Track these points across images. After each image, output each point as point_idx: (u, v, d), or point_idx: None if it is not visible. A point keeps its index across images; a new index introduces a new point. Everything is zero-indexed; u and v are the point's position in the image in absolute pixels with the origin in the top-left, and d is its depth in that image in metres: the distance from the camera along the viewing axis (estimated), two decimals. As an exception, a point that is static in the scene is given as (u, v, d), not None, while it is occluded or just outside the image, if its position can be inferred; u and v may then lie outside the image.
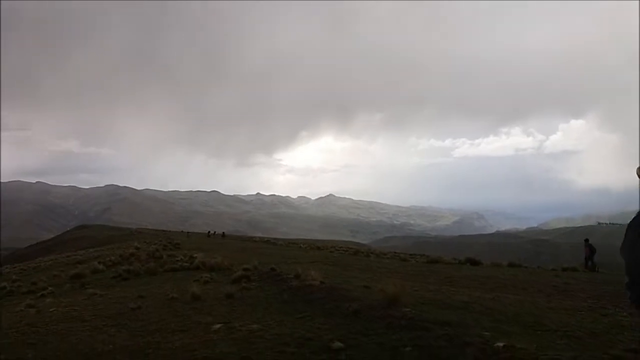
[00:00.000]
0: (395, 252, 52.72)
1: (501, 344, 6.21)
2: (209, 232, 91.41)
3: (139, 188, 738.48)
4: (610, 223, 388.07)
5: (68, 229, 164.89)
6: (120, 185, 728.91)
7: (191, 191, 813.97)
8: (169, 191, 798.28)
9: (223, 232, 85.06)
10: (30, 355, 8.54)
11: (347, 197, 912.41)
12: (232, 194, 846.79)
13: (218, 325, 9.48)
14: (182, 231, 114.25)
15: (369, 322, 8.44)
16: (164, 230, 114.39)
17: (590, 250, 25.29)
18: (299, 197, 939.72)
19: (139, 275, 23.07)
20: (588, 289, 13.36)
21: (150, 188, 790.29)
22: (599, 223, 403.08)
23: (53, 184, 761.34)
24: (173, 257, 30.79)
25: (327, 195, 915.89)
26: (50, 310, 14.05)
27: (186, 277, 20.57)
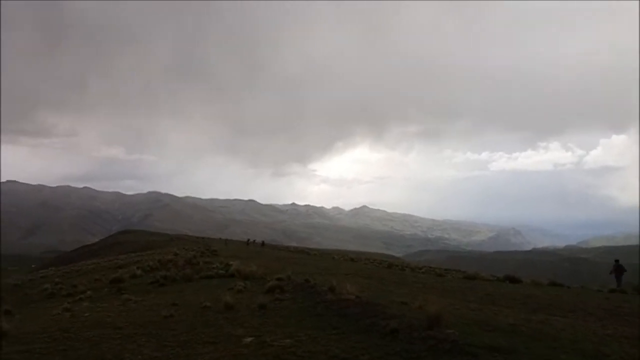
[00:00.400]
0: (430, 267, 51.47)
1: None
2: (247, 240, 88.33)
3: (179, 195, 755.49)
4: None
5: (112, 233, 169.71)
6: (162, 192, 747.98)
7: (229, 199, 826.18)
8: (207, 199, 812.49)
9: (262, 241, 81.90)
10: (60, 361, 8.44)
11: (381, 209, 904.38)
12: (268, 203, 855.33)
13: (249, 339, 9.14)
14: (220, 238, 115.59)
15: (408, 343, 7.91)
16: (202, 237, 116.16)
17: (619, 269, 25.80)
18: (333, 207, 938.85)
19: (175, 282, 23.12)
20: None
21: (191, 195, 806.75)
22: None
23: (99, 189, 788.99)
24: (209, 264, 30.84)
25: (361, 207, 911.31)
26: (85, 315, 14.09)
27: (221, 284, 20.45)
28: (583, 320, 10.63)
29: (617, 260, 26.79)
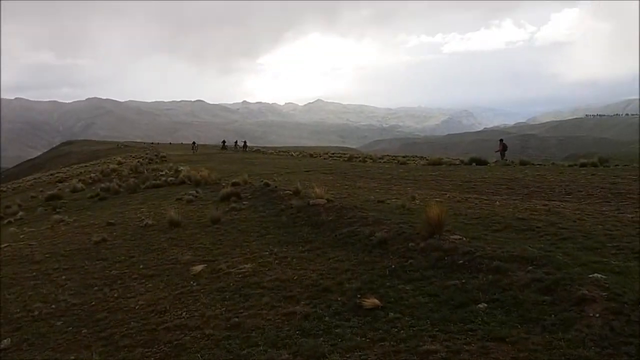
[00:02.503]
0: (391, 156, 50.74)
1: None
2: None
3: (121, 100, 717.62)
4: (598, 115, 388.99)
5: (55, 145, 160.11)
6: (103, 98, 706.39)
7: (175, 101, 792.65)
8: (152, 102, 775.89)
9: (245, 143, 64.83)
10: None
11: (335, 101, 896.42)
12: (217, 102, 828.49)
13: (199, 267, 7.12)
14: (170, 143, 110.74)
15: (404, 258, 6.09)
16: (151, 143, 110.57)
17: (504, 147, 28.71)
18: (286, 103, 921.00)
19: (118, 194, 20.77)
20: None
21: (134, 100, 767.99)
22: (586, 115, 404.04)
23: (33, 99, 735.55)
24: (157, 172, 28.43)
25: (316, 101, 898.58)
26: (3, 247, 11.67)
27: (169, 194, 18.25)
28: (591, 204, 9.20)
29: (501, 140, 29.77)
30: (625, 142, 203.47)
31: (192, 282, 6.62)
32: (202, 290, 6.15)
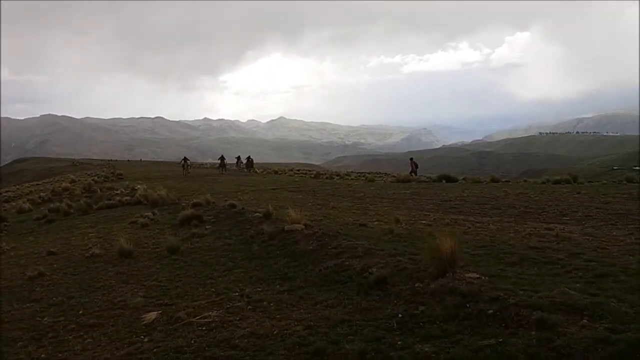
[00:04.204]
0: (357, 173, 50.01)
1: None
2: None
3: (78, 117, 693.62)
4: (550, 133, 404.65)
5: (7, 162, 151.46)
6: (58, 114, 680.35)
7: (134, 118, 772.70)
8: (110, 119, 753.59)
9: (248, 158, 46.11)
10: None
11: (298, 119, 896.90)
12: (177, 119, 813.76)
13: (152, 315, 5.70)
14: (128, 160, 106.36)
15: (412, 303, 4.90)
16: (109, 160, 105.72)
17: (415, 165, 31.22)
18: (248, 120, 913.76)
19: (68, 216, 18.99)
20: None
21: (90, 116, 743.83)
22: (540, 133, 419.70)
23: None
24: (112, 191, 26.53)
25: (278, 118, 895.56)
26: None
27: (122, 216, 16.61)
28: (596, 227, 8.33)
29: (411, 158, 32.54)
30: (576, 158, 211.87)
31: (142, 337, 5.21)
32: (154, 351, 4.75)
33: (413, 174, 30.13)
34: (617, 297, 4.35)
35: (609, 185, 17.90)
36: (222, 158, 44.03)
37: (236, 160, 48.98)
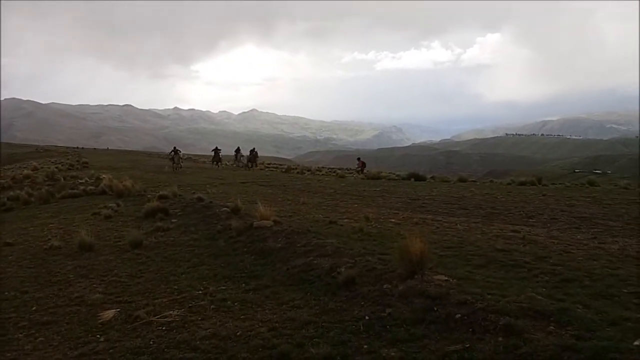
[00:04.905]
0: (329, 169, 50.00)
1: None
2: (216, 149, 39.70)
3: (43, 102, 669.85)
4: (516, 134, 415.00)
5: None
6: (23, 98, 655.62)
7: (102, 105, 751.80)
8: (77, 105, 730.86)
9: (253, 151, 39.10)
10: None
11: (270, 111, 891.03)
12: (147, 108, 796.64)
13: (110, 313, 5.46)
14: (95, 149, 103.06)
15: (379, 305, 4.83)
16: (75, 148, 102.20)
17: (363, 164, 32.32)
18: (220, 111, 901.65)
19: (28, 205, 18.27)
20: (605, 214, 10.68)
21: (57, 102, 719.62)
22: (506, 134, 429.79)
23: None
24: (76, 180, 25.68)
25: (250, 110, 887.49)
26: None
27: (85, 206, 16.06)
28: (561, 230, 8.42)
29: (359, 158, 33.93)
30: (540, 160, 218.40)
31: (98, 336, 4.96)
32: (110, 351, 4.53)
33: (361, 172, 31.68)
34: (583, 303, 4.37)
35: (572, 188, 18.37)
36: (216, 150, 38.57)
37: (235, 153, 40.89)
